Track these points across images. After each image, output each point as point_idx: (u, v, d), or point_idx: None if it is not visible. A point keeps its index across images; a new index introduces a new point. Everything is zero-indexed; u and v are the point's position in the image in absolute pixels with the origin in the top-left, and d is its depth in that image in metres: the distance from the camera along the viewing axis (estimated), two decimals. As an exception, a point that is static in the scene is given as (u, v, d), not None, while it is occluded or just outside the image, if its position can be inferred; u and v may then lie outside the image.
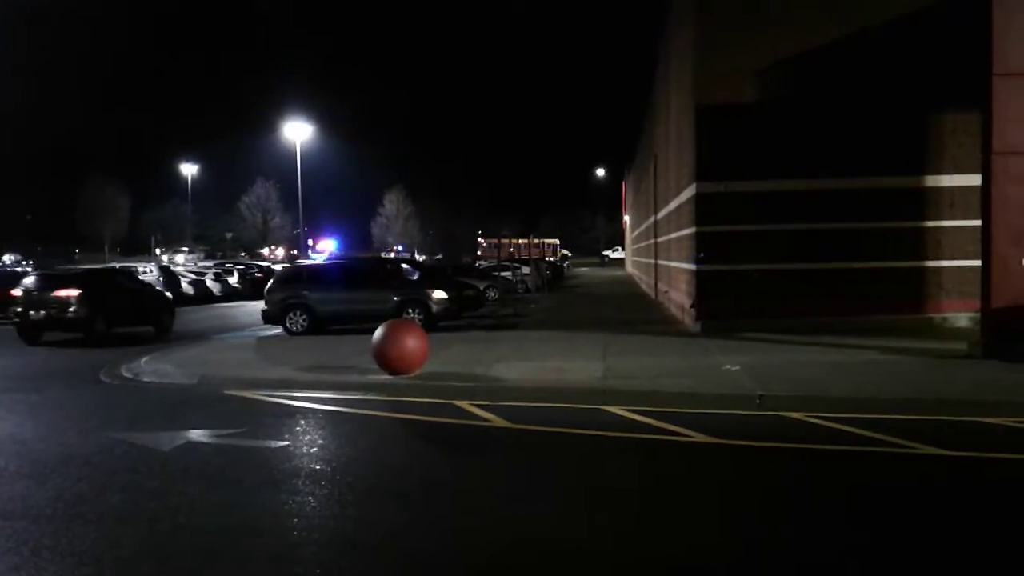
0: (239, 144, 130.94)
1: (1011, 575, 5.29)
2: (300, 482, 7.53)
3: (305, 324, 20.71)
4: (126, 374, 14.72)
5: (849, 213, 17.89)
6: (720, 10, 18.42)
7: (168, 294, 25.94)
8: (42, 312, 20.32)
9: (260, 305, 22.47)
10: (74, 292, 20.46)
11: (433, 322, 20.09)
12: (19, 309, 20.61)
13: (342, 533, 6.20)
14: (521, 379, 12.54)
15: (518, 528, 6.23)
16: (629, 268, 67.29)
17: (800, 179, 17.98)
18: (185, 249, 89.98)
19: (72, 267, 37.66)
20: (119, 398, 12.72)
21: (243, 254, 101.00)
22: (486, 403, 11.03)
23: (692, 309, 19.24)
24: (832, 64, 17.74)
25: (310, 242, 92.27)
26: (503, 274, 38.93)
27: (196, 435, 9.56)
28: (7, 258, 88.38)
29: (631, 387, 11.67)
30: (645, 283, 40.80)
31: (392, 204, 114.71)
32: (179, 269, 43.95)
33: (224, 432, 9.67)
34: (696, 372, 12.71)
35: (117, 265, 44.00)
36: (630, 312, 26.84)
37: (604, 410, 10.55)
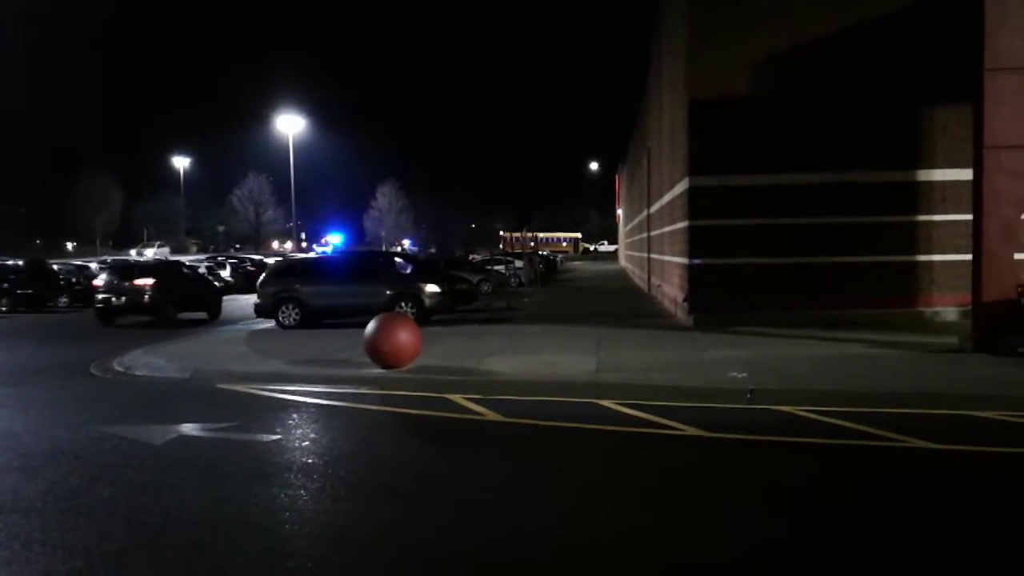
0: (232, 137, 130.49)
1: (1000, 567, 5.32)
2: (292, 476, 7.53)
3: (298, 318, 20.67)
4: (118, 368, 14.68)
5: (841, 207, 17.94)
6: (713, 4, 18.42)
7: (216, 283, 30.07)
8: (122, 298, 23.52)
9: (253, 299, 22.41)
10: (149, 281, 23.76)
11: (426, 316, 20.08)
12: (101, 296, 23.69)
13: (334, 527, 6.20)
14: (514, 373, 12.55)
15: (510, 522, 6.24)
16: (623, 262, 67.35)
17: (792, 173, 18.02)
18: (156, 244, 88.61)
19: (141, 259, 39.88)
20: (111, 392, 12.68)
21: (237, 247, 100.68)
22: (479, 397, 11.04)
23: (685, 303, 19.28)
24: (825, 58, 17.77)
25: (323, 239, 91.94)
26: (496, 268, 38.92)
27: (188, 429, 9.54)
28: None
29: (624, 381, 11.69)
30: (638, 277, 40.84)
31: (385, 197, 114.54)
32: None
33: (216, 426, 9.66)
34: (688, 366, 12.74)
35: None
36: (623, 306, 26.86)
37: (597, 404, 10.57)
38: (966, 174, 14.24)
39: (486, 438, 9.27)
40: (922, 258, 18.03)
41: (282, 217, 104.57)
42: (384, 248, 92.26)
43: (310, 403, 11.17)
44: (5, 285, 30.25)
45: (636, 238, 44.17)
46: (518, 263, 40.47)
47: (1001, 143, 13.16)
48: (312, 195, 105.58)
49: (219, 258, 50.72)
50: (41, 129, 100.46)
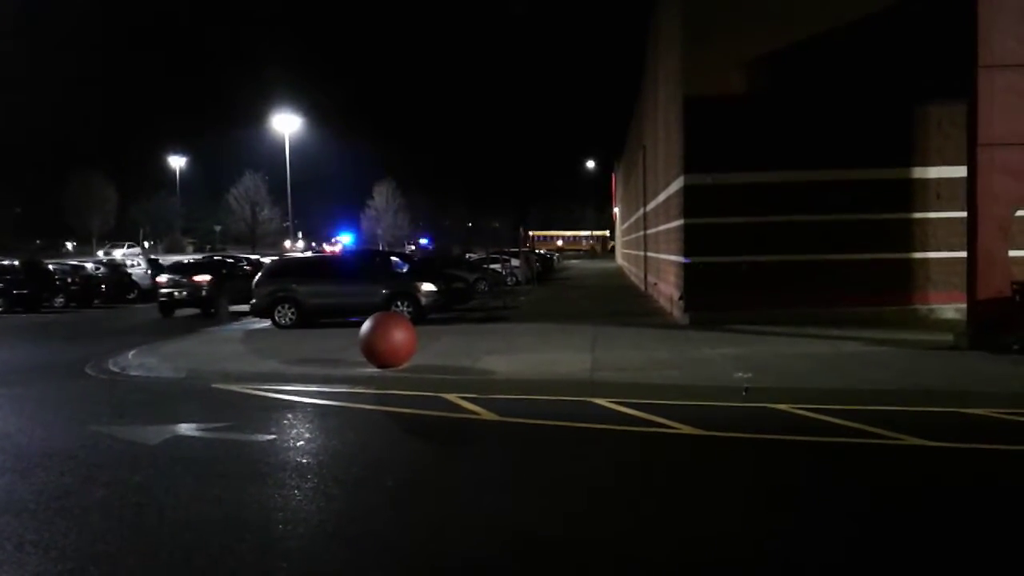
0: (228, 136, 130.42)
1: (994, 563, 5.32)
2: (286, 475, 7.52)
3: (294, 317, 20.65)
4: (113, 368, 14.66)
5: (837, 205, 17.94)
6: (707, 1, 18.40)
7: None
8: (183, 293, 26.14)
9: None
10: (207, 278, 26.15)
11: (422, 315, 20.07)
12: (164, 291, 26.48)
13: (327, 527, 6.18)
14: (510, 372, 12.55)
15: (504, 522, 6.23)
16: (619, 260, 67.36)
17: (788, 171, 18.02)
18: (125, 244, 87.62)
19: (197, 257, 42.14)
20: (105, 392, 12.65)
21: (224, 246, 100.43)
22: (474, 396, 11.03)
23: (680, 301, 19.28)
24: (820, 55, 17.77)
25: (334, 238, 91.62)
26: (493, 267, 38.91)
27: (183, 429, 9.53)
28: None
29: (619, 379, 11.69)
30: (635, 275, 40.85)
31: (382, 196, 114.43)
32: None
33: (211, 426, 9.65)
34: (684, 364, 12.74)
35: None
36: (619, 304, 26.87)
37: (592, 402, 10.56)
38: (961, 171, 14.24)
39: (481, 437, 9.26)
40: (917, 255, 18.04)
41: (278, 216, 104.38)
42: (403, 248, 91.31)
43: (305, 403, 11.15)
44: (0, 285, 30.20)
45: (632, 236, 44.18)
46: (515, 262, 40.48)
47: (995, 140, 13.17)
48: (308, 194, 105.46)
49: (214, 257, 50.65)
50: (37, 128, 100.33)
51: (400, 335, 12.75)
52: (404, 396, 11.34)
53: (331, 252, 48.27)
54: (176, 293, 26.26)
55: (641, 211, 34.53)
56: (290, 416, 10.32)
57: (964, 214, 13.94)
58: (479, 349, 14.91)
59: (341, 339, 16.48)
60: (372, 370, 12.70)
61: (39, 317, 27.92)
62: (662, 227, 25.12)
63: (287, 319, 20.65)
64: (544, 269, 49.50)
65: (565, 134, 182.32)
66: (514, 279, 38.74)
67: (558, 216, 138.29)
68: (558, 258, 76.73)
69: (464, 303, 26.34)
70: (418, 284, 21.03)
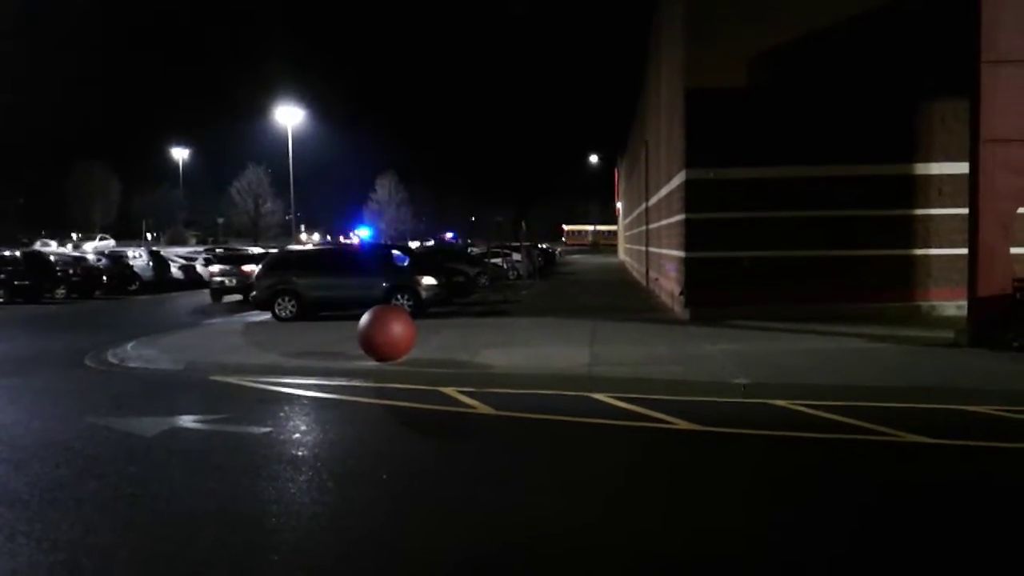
0: (230, 129, 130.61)
1: (992, 559, 5.28)
2: (282, 468, 7.50)
3: (294, 310, 20.61)
4: (112, 359, 14.65)
5: (839, 201, 17.87)
6: (711, -4, 18.34)
7: None
8: (233, 281, 28.25)
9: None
10: (255, 268, 25.59)
11: (422, 308, 20.04)
12: (216, 279, 28.99)
13: (322, 520, 6.16)
14: (509, 366, 12.51)
15: (501, 517, 6.20)
16: (622, 255, 67.26)
17: (790, 166, 17.96)
18: (99, 236, 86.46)
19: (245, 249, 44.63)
20: (103, 383, 12.64)
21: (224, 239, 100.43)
22: (472, 390, 11.00)
23: (681, 296, 19.24)
24: (822, 50, 17.69)
25: (352, 232, 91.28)
26: (494, 260, 38.84)
27: (180, 421, 9.52)
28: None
29: (618, 374, 11.66)
30: (636, 270, 40.79)
31: (384, 190, 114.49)
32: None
33: (208, 418, 9.64)
34: (683, 360, 12.70)
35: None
36: (620, 299, 26.83)
37: (591, 397, 10.53)
38: (963, 168, 14.16)
39: (478, 431, 9.24)
40: (919, 252, 17.98)
41: (281, 209, 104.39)
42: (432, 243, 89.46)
43: (303, 395, 11.13)
44: (2, 276, 30.19)
45: (635, 231, 44.11)
46: (516, 256, 40.41)
47: (998, 136, 13.10)
48: (311, 187, 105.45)
49: (217, 250, 50.65)
50: (40, 121, 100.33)
51: (399, 328, 12.72)
52: (402, 389, 11.31)
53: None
54: (227, 281, 28.72)
55: (643, 206, 34.45)
56: (287, 409, 10.30)
57: (966, 210, 13.87)
58: (478, 343, 14.88)
59: (341, 332, 16.44)
60: (371, 363, 12.68)
61: (40, 308, 27.91)
62: (664, 222, 25.06)
63: (287, 312, 20.62)
64: (546, 263, 49.43)
65: (568, 128, 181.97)
66: (515, 273, 38.67)
67: (561, 211, 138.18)
68: (560, 252, 76.65)
69: (465, 297, 26.31)
70: (419, 278, 21.00)
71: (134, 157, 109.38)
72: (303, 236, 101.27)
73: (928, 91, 17.60)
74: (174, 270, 38.54)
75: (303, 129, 63.23)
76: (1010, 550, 5.46)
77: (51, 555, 5.46)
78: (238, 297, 27.58)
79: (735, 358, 12.51)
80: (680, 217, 19.51)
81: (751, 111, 18.02)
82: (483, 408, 9.99)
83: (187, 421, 9.53)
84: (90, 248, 55.68)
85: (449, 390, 11.05)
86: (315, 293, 20.73)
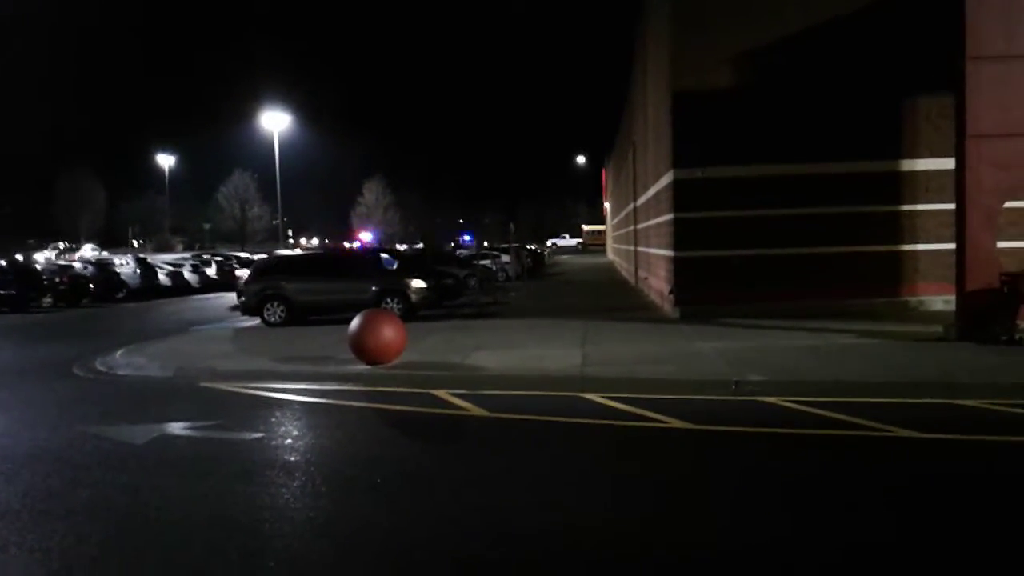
0: (216, 135, 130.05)
1: (984, 553, 5.31)
2: (274, 474, 7.47)
3: (283, 315, 20.54)
4: (100, 367, 14.57)
5: (826, 198, 17.94)
6: (696, -4, 18.39)
7: None
8: None
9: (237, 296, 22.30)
10: None
11: (412, 311, 20.00)
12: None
13: (315, 525, 6.14)
14: (500, 367, 12.51)
15: (494, 519, 6.19)
16: (610, 255, 67.34)
17: (778, 164, 18.02)
18: (61, 245, 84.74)
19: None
20: (92, 392, 12.57)
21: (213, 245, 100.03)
22: (464, 392, 10.98)
23: (671, 295, 19.28)
24: (809, 49, 17.75)
25: (355, 237, 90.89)
26: (483, 262, 38.83)
27: (170, 428, 9.46)
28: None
29: (610, 374, 11.67)
30: (625, 270, 40.85)
31: (372, 194, 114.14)
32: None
33: (199, 425, 9.59)
34: (675, 359, 12.72)
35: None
36: (610, 299, 26.86)
37: (583, 397, 10.54)
38: (950, 163, 14.24)
39: (471, 433, 9.23)
40: (907, 247, 18.08)
41: (268, 214, 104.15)
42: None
43: (294, 400, 11.10)
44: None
45: (623, 231, 44.17)
46: (505, 257, 40.41)
47: (983, 132, 13.18)
48: (298, 192, 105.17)
49: (204, 255, 50.47)
50: (25, 129, 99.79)
51: (389, 332, 12.70)
52: (394, 393, 11.28)
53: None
54: None
55: (631, 206, 34.51)
56: (278, 414, 10.26)
57: (953, 206, 13.95)
58: (469, 345, 14.87)
59: (331, 336, 16.40)
60: (362, 367, 12.65)
61: (26, 317, 27.72)
62: (652, 221, 25.10)
63: (276, 317, 20.55)
64: (535, 265, 49.44)
65: (555, 130, 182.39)
66: (504, 275, 38.67)
67: (550, 212, 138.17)
68: (548, 254, 76.64)
69: (454, 299, 26.28)
70: (408, 281, 20.97)
71: (120, 164, 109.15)
72: (302, 241, 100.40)
73: (914, 88, 17.70)
74: (161, 277, 38.33)
75: (289, 134, 63.02)
76: (1001, 540, 5.48)
77: (44, 565, 5.42)
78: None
79: (726, 356, 12.54)
80: (668, 216, 19.56)
81: (738, 110, 18.07)
82: (476, 410, 9.98)
83: (178, 428, 9.48)
84: (41, 260, 55.56)
85: (441, 392, 11.03)
86: (304, 298, 20.66)
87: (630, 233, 35.84)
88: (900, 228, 18.06)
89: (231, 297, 27.90)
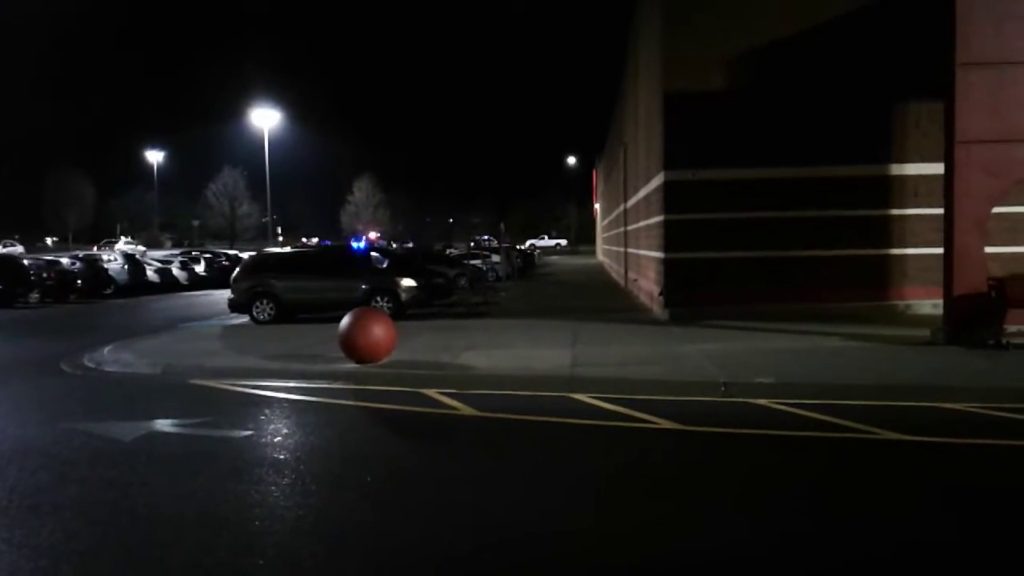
0: (206, 131, 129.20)
1: (971, 556, 5.34)
2: (263, 472, 7.45)
3: (272, 313, 20.50)
4: (88, 364, 14.51)
5: (816, 201, 18.03)
6: (688, -2, 18.44)
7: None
8: None
9: (227, 293, 22.21)
10: None
11: (402, 310, 19.99)
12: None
13: (305, 524, 6.13)
14: (489, 367, 12.51)
15: (484, 519, 6.20)
16: (600, 256, 67.44)
17: (768, 167, 18.09)
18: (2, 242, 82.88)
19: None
20: (80, 388, 12.51)
21: (207, 242, 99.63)
22: (454, 391, 10.99)
23: (660, 297, 19.32)
24: (800, 52, 17.82)
25: (361, 234, 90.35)
26: (473, 262, 38.85)
27: (158, 425, 9.44)
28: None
29: (599, 375, 11.68)
30: (615, 271, 40.90)
31: (362, 192, 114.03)
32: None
33: (187, 422, 9.56)
34: (664, 360, 12.75)
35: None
36: (599, 300, 26.90)
37: (572, 398, 10.55)
38: (939, 168, 14.30)
39: (460, 433, 9.23)
40: (895, 251, 18.17)
41: (257, 211, 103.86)
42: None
43: (283, 398, 11.07)
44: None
45: (613, 232, 44.23)
46: (495, 257, 40.43)
47: (972, 138, 13.25)
48: (288, 189, 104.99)
49: (193, 252, 50.31)
50: (13, 124, 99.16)
51: (379, 330, 12.69)
52: (383, 392, 11.27)
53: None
54: None
55: (622, 207, 34.56)
56: (268, 412, 10.24)
57: (941, 211, 14.02)
58: (459, 344, 14.87)
59: (320, 335, 16.38)
60: (351, 366, 12.63)
61: (13, 313, 27.57)
62: (642, 223, 25.15)
63: (265, 315, 20.51)
64: (525, 265, 49.49)
65: (546, 130, 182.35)
66: (495, 275, 38.69)
67: (540, 212, 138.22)
68: (538, 254, 76.74)
69: (444, 299, 26.26)
70: (398, 279, 20.97)
71: (108, 160, 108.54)
72: (303, 239, 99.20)
73: (904, 93, 17.80)
74: (150, 273, 38.20)
75: (279, 131, 62.78)
76: (987, 543, 5.52)
77: (32, 561, 5.39)
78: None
79: (715, 357, 12.58)
80: (659, 218, 19.60)
81: (729, 113, 18.13)
82: (465, 409, 9.99)
83: (166, 425, 9.46)
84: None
85: (431, 392, 11.03)
86: (293, 296, 20.63)
87: (620, 234, 35.89)
88: (889, 232, 18.16)
89: (220, 294, 27.75)
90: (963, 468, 7.37)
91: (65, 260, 36.91)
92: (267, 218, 71.78)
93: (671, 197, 18.60)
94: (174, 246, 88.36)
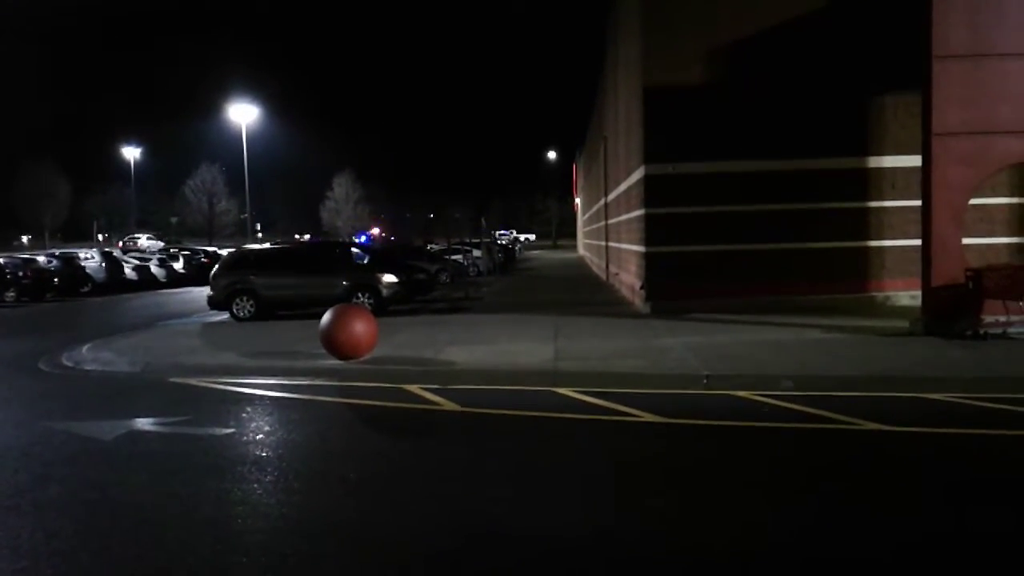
0: (183, 127, 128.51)
1: (950, 543, 5.39)
2: (246, 470, 7.41)
3: (252, 310, 20.37)
4: (67, 362, 14.37)
5: (796, 194, 18.12)
6: (667, -8, 18.46)
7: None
8: None
9: (206, 291, 22.05)
10: None
11: (383, 306, 19.92)
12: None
13: (288, 521, 6.10)
14: (472, 362, 12.50)
15: (468, 515, 6.19)
16: (581, 251, 67.56)
17: (749, 160, 18.17)
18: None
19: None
20: (60, 387, 12.39)
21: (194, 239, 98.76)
22: (436, 387, 10.97)
23: (642, 290, 19.37)
24: (778, 46, 17.90)
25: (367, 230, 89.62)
26: (454, 257, 38.78)
27: (139, 424, 9.36)
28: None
29: (582, 369, 11.70)
30: (596, 265, 40.98)
31: (341, 188, 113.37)
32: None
33: (168, 420, 9.48)
34: (646, 353, 12.79)
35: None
36: (581, 294, 26.93)
37: (555, 392, 10.56)
38: (916, 161, 14.45)
39: (444, 428, 9.22)
40: (873, 243, 18.31)
41: (236, 208, 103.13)
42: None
43: (265, 396, 11.01)
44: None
45: (594, 227, 44.30)
46: (477, 252, 40.38)
47: (949, 130, 13.37)
48: (267, 186, 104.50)
49: (172, 249, 49.92)
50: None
51: (361, 327, 12.63)
52: (366, 388, 11.24)
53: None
54: None
55: (602, 201, 34.62)
56: (249, 409, 10.18)
57: (919, 202, 14.16)
58: (441, 340, 14.84)
59: (301, 331, 16.30)
60: (333, 362, 12.58)
61: (-10, 312, 27.25)
62: (623, 217, 25.20)
63: (245, 312, 20.38)
64: (506, 260, 49.47)
65: (527, 124, 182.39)
66: (476, 270, 38.63)
67: (520, 207, 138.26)
68: (520, 249, 76.73)
69: (426, 294, 26.17)
70: (379, 275, 20.86)
71: (84, 157, 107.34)
72: (296, 236, 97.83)
73: (881, 86, 17.92)
74: (127, 271, 37.84)
75: (258, 127, 62.50)
76: (966, 531, 5.58)
77: (12, 562, 5.33)
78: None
79: (697, 351, 12.63)
80: (639, 212, 19.64)
81: (708, 107, 18.18)
82: (448, 405, 9.97)
83: (147, 424, 9.38)
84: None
85: (413, 387, 11.01)
86: (273, 292, 20.51)
87: (601, 228, 35.95)
88: (867, 224, 18.29)
89: (200, 292, 27.53)
90: (945, 457, 7.44)
91: (41, 258, 36.49)
92: (246, 215, 71.29)
93: (652, 191, 18.64)
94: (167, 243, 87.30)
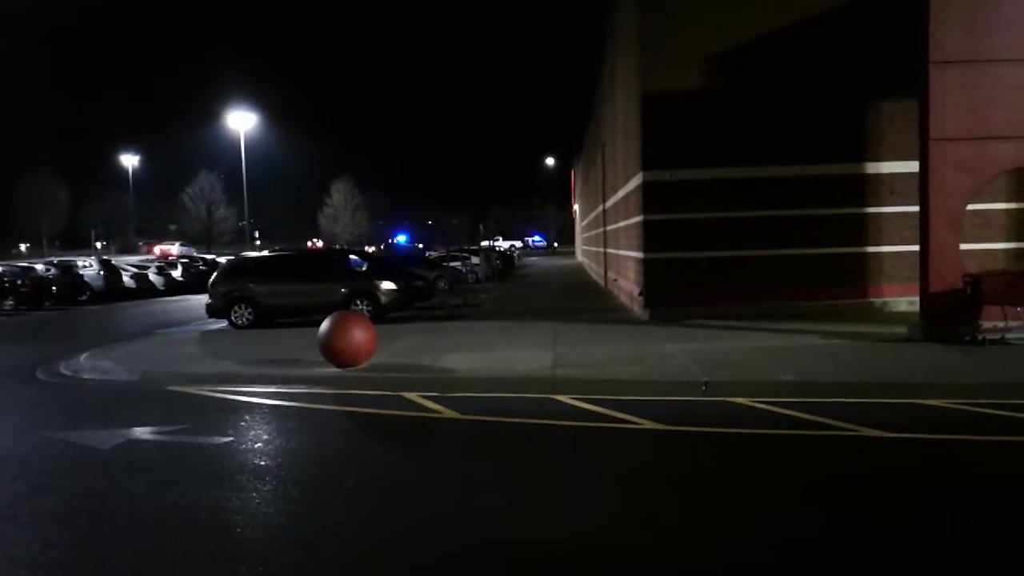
0: (182, 135, 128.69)
1: (950, 551, 5.39)
2: (244, 478, 7.39)
3: (251, 317, 20.36)
4: (65, 371, 14.34)
5: (793, 200, 18.15)
6: (665, -1, 18.52)
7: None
8: None
9: (204, 299, 22.03)
10: None
11: (382, 313, 19.92)
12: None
13: (286, 530, 6.09)
14: (470, 369, 12.49)
15: (465, 523, 6.18)
16: (580, 257, 67.57)
17: (747, 167, 18.19)
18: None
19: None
20: (57, 396, 12.37)
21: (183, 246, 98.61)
22: (435, 394, 10.96)
23: (640, 297, 19.37)
24: (776, 52, 17.94)
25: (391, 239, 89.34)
26: (453, 264, 38.78)
27: (137, 433, 9.33)
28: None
29: (580, 376, 11.70)
30: (595, 272, 40.99)
31: (340, 194, 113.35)
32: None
33: (166, 429, 9.46)
34: (644, 360, 12.78)
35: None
36: (580, 301, 26.93)
37: (554, 399, 10.55)
38: (913, 166, 14.46)
39: (442, 436, 9.20)
40: (872, 249, 18.33)
41: (234, 215, 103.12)
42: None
43: (263, 404, 11.00)
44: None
45: (592, 233, 44.32)
46: (475, 259, 40.38)
47: (947, 136, 13.39)
48: (265, 193, 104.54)
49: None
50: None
51: (359, 334, 12.62)
52: (364, 396, 11.23)
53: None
54: None
55: (600, 208, 34.64)
56: (248, 418, 10.17)
57: (917, 208, 14.17)
58: (440, 347, 14.84)
59: (299, 339, 16.29)
60: (331, 370, 12.57)
61: (-12, 320, 27.22)
62: (621, 223, 25.21)
63: (244, 319, 20.37)
64: (505, 267, 49.47)
65: (525, 131, 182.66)
66: (474, 277, 38.62)
67: (518, 213, 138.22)
68: (518, 256, 76.75)
69: (424, 301, 26.13)
70: (377, 282, 20.86)
71: (82, 164, 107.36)
72: (308, 243, 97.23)
73: (878, 92, 17.96)
74: (126, 279, 37.80)
75: (256, 135, 62.52)
76: (966, 538, 5.57)
77: (10, 572, 5.32)
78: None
79: (695, 357, 12.62)
80: (638, 218, 19.65)
81: (706, 113, 18.22)
82: (447, 412, 9.96)
83: (145, 433, 9.36)
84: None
85: (412, 395, 11.00)
86: (272, 300, 20.50)
87: (599, 235, 35.97)
88: (865, 230, 18.31)
89: (198, 300, 27.48)
90: (943, 464, 7.43)
91: (40, 266, 36.45)
92: (244, 222, 71.25)
93: (650, 197, 18.66)
94: (150, 251, 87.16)
